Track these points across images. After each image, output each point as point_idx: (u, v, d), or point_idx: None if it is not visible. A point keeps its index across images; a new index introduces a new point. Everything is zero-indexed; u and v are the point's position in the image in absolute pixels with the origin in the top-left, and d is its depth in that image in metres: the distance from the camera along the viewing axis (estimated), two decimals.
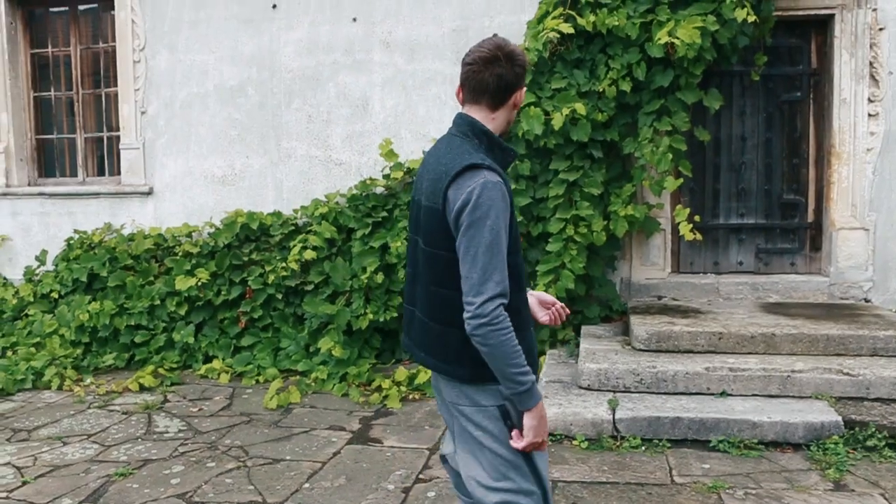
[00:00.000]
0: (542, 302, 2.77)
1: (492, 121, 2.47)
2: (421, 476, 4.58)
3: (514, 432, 2.42)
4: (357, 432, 5.37)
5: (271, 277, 6.85)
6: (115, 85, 7.85)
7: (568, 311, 2.81)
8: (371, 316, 6.51)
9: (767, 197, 7.07)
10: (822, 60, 6.91)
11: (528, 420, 2.38)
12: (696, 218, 6.66)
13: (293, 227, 7.15)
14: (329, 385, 6.30)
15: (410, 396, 6.05)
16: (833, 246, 6.78)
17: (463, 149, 2.40)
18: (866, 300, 6.75)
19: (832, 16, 6.71)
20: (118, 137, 7.91)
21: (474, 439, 2.48)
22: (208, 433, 5.42)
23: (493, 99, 2.46)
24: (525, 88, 2.63)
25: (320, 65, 7.39)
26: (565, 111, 5.80)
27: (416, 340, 2.59)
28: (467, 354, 2.38)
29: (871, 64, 6.66)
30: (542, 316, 2.75)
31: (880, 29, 6.65)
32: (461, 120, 2.51)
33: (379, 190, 6.95)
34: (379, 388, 6.16)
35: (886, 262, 6.76)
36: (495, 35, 2.64)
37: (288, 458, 4.95)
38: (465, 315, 2.29)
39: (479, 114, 2.48)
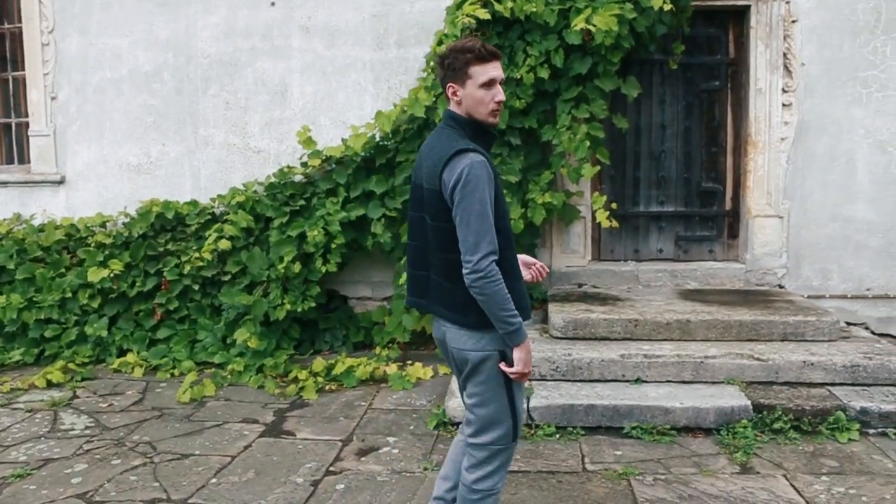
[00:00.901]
0: (524, 262, 3.29)
1: (457, 107, 2.95)
2: (331, 469, 4.50)
3: (503, 364, 2.93)
4: (270, 425, 5.26)
5: (187, 268, 6.67)
6: (23, 69, 7.54)
7: (547, 269, 3.34)
8: (289, 306, 6.39)
9: (687, 185, 7.14)
10: (739, 50, 7.00)
11: (517, 353, 2.90)
12: (613, 205, 6.69)
13: (210, 217, 6.97)
14: (245, 377, 6.17)
15: (327, 387, 5.95)
16: (749, 233, 6.88)
17: (452, 137, 2.88)
18: (780, 286, 6.87)
19: (748, 7, 6.80)
20: (27, 124, 7.61)
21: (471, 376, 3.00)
22: (116, 429, 5.24)
23: (445, 93, 2.98)
24: (465, 81, 2.89)
25: (238, 50, 7.21)
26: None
27: (432, 298, 3.04)
28: (472, 305, 2.86)
29: (784, 55, 6.76)
30: (526, 274, 3.25)
31: (793, 21, 6.76)
32: (446, 114, 3.01)
33: (297, 178, 6.81)
34: (296, 380, 6.05)
35: (799, 250, 6.89)
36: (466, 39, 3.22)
37: (197, 452, 4.81)
38: (464, 271, 2.79)
39: (451, 107, 2.99)
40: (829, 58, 6.78)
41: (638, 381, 5.24)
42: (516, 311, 2.84)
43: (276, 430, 5.16)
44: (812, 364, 5.23)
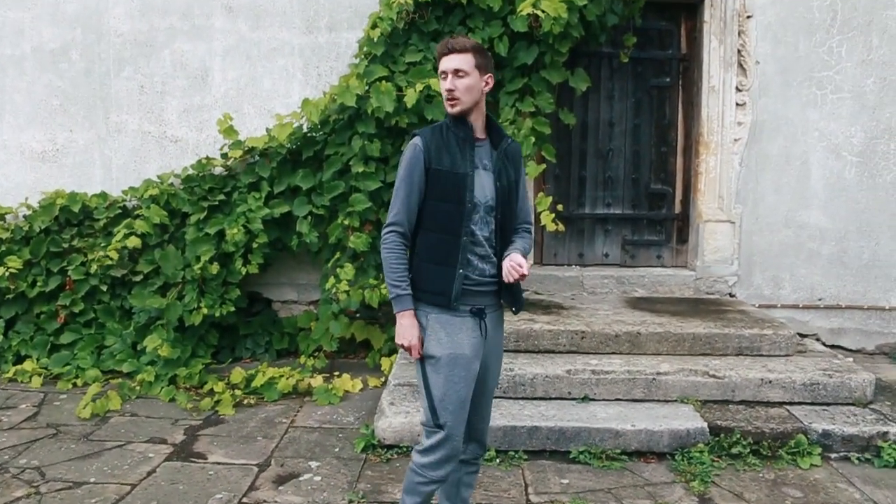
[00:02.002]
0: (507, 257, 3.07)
1: None
2: (244, 500, 3.96)
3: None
4: (180, 445, 4.70)
5: (94, 267, 6.03)
6: None
7: (523, 271, 2.91)
8: (206, 310, 5.83)
9: (635, 186, 6.78)
10: (692, 46, 6.66)
11: (397, 325, 3.01)
12: (559, 207, 6.27)
13: (120, 211, 6.34)
14: (156, 389, 5.58)
15: (246, 401, 5.41)
16: (700, 239, 6.55)
17: (430, 125, 3.15)
18: (731, 295, 6.57)
19: (702, 0, 6.46)
20: None
21: None
22: (1, 451, 4.62)
23: None
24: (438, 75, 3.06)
25: (154, 29, 6.58)
26: (419, 87, 5.27)
27: None
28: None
29: (739, 52, 6.45)
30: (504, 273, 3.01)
31: (748, 16, 6.46)
32: None
33: (218, 170, 6.23)
34: (212, 392, 5.49)
35: (751, 256, 6.60)
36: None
37: (92, 480, 4.22)
38: None
39: None
40: (785, 56, 6.49)
41: (585, 399, 4.83)
42: (401, 283, 2.97)
43: (186, 451, 4.60)
44: (770, 382, 4.89)
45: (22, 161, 6.74)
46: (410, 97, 5.29)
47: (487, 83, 3.04)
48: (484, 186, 3.01)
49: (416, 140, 3.01)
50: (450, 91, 2.96)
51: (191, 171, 6.20)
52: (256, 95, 6.54)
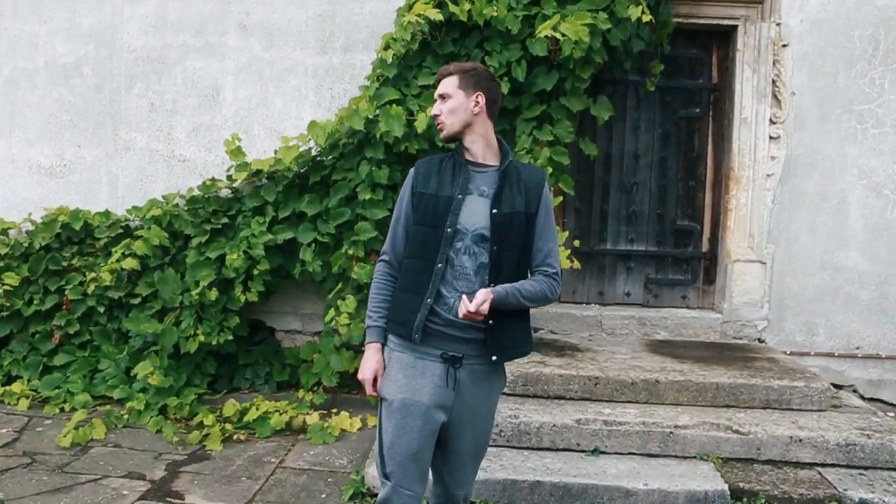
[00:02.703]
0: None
1: None
2: None
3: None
4: (158, 483, 4.41)
5: (92, 287, 5.81)
6: None
7: (479, 312, 2.60)
8: (202, 338, 5.56)
9: (660, 222, 6.42)
10: (724, 75, 6.31)
11: None
12: (576, 243, 5.93)
13: (122, 230, 6.12)
14: (145, 418, 5.32)
15: (236, 436, 5.10)
16: (728, 279, 6.17)
17: None
18: (760, 340, 6.16)
19: (735, 27, 6.14)
20: None
21: None
22: None
23: None
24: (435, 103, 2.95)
25: (168, 46, 6.40)
26: (430, 111, 4.98)
27: None
28: None
29: (773, 82, 6.10)
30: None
31: (784, 45, 6.11)
32: None
33: (224, 192, 5.99)
34: (201, 425, 5.20)
35: (782, 300, 6.19)
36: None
37: None
38: None
39: None
40: (822, 88, 6.12)
41: (595, 451, 4.46)
42: (373, 314, 2.86)
43: (163, 490, 4.31)
44: (800, 440, 4.48)
45: (29, 176, 6.57)
46: (421, 122, 5.02)
47: (478, 102, 2.81)
48: (474, 213, 2.75)
49: (414, 166, 2.94)
50: (435, 116, 2.89)
51: (196, 192, 5.97)
52: (267, 116, 6.31)
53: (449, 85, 2.83)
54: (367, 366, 2.81)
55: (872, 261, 6.17)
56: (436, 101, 2.89)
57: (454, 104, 2.80)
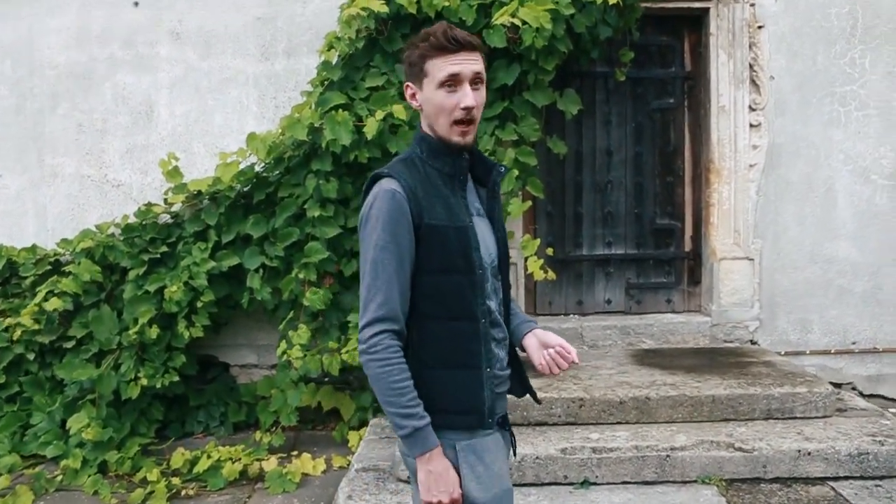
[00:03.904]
0: (544, 344, 2.25)
1: (424, 119, 2.17)
2: None
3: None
4: None
5: (18, 332, 5.23)
6: None
7: (573, 356, 2.21)
8: (145, 381, 5.01)
9: (638, 222, 5.99)
10: (697, 62, 5.91)
11: (418, 472, 2.06)
12: (549, 250, 5.47)
13: (50, 267, 5.55)
14: (82, 477, 4.76)
15: (185, 491, 4.57)
16: (714, 279, 5.75)
17: (397, 160, 2.18)
18: (753, 342, 5.76)
19: (706, 10, 5.75)
20: None
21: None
22: None
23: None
24: (422, 80, 2.11)
25: (93, 60, 5.86)
26: (380, 115, 4.50)
27: None
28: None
29: (751, 66, 5.71)
30: (538, 361, 2.23)
31: (759, 26, 5.72)
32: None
33: (164, 218, 5.45)
34: (145, 481, 4.65)
35: (773, 297, 5.79)
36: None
37: None
38: None
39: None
40: (802, 70, 5.75)
41: (585, 484, 4.00)
42: (415, 410, 2.01)
43: None
44: (809, 453, 4.08)
45: None
46: (371, 127, 4.51)
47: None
48: (486, 241, 2.18)
49: (391, 184, 2.06)
50: (468, 110, 2.06)
51: (132, 220, 5.43)
52: (207, 132, 5.79)
53: (481, 63, 2.10)
54: (450, 480, 2.05)
55: (864, 250, 5.81)
56: (450, 82, 2.05)
57: (484, 95, 2.13)
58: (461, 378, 2.10)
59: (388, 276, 2.02)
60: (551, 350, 2.20)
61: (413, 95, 2.15)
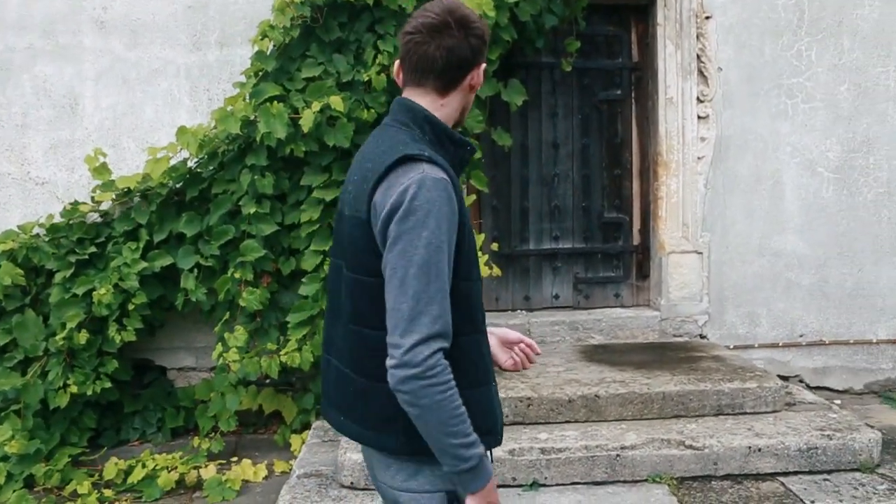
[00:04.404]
0: (504, 341, 2.15)
1: (441, 107, 1.90)
2: None
3: None
4: None
5: None
6: None
7: (538, 350, 2.16)
8: (75, 388, 4.74)
9: (586, 216, 5.90)
10: (645, 53, 5.82)
11: None
12: (495, 246, 5.34)
13: None
14: (7, 493, 4.48)
15: (119, 503, 4.34)
16: (663, 273, 5.68)
17: (398, 139, 1.83)
18: (702, 336, 5.71)
19: (654, 0, 5.63)
20: None
21: None
22: None
23: (442, 79, 1.87)
24: (484, 65, 1.90)
25: (10, 49, 5.52)
26: (316, 107, 4.30)
27: (332, 399, 2.00)
28: (401, 418, 1.76)
29: (698, 57, 5.64)
30: (505, 360, 2.14)
31: (707, 17, 5.66)
32: (398, 106, 1.92)
33: (92, 217, 5.18)
34: (75, 495, 4.41)
35: (722, 291, 5.75)
36: None
37: None
38: (389, 362, 1.71)
39: (423, 98, 1.89)
40: (749, 62, 5.71)
41: (534, 485, 3.89)
42: (474, 437, 1.74)
43: None
44: (759, 449, 4.05)
45: None
46: (307, 119, 4.32)
47: None
48: None
49: (437, 172, 1.77)
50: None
51: (58, 220, 5.15)
52: (137, 126, 5.52)
53: None
54: None
55: (811, 243, 5.80)
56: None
57: None
58: (482, 396, 1.89)
59: (442, 283, 1.73)
60: (517, 348, 2.12)
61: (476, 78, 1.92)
